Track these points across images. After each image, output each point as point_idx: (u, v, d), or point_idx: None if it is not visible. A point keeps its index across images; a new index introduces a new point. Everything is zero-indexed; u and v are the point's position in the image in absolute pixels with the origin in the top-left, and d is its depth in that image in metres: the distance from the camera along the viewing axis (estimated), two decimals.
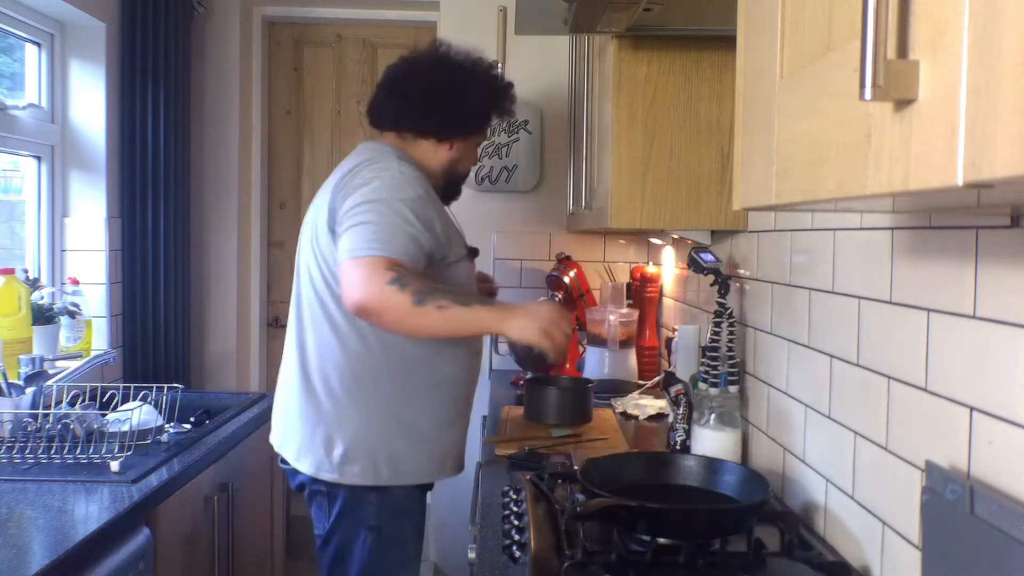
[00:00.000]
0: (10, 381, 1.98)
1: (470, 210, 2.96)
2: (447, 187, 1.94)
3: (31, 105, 2.54)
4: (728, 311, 1.73)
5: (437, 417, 1.77)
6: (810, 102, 0.66)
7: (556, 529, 1.24)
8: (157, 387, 2.14)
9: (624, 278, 2.98)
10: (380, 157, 1.76)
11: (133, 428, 1.91)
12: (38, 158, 2.61)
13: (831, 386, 1.33)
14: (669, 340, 2.37)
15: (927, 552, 0.95)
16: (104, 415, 1.99)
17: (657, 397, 2.36)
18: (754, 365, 1.72)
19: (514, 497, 1.40)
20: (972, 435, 0.93)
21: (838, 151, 0.60)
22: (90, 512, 1.53)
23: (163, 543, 1.70)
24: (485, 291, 2.31)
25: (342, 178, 1.74)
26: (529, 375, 2.54)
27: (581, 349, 2.77)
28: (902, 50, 0.51)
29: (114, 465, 1.75)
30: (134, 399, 2.09)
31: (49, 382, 2.08)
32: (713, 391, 1.67)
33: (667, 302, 2.75)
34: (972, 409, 0.93)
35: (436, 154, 1.86)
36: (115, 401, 2.09)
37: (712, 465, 1.42)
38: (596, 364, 2.60)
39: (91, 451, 1.81)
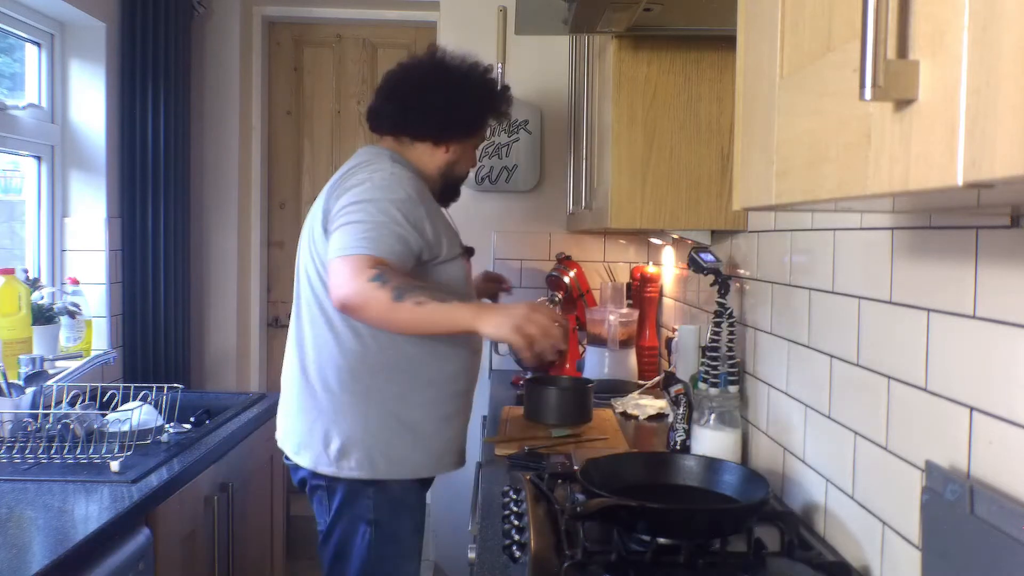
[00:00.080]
0: (10, 381, 1.98)
1: (470, 210, 2.96)
2: (446, 189, 1.97)
3: (31, 105, 2.54)
4: (728, 311, 1.73)
5: (434, 413, 1.80)
6: (810, 102, 0.66)
7: (556, 529, 1.24)
8: (157, 387, 2.14)
9: (624, 278, 2.98)
10: (374, 160, 1.81)
11: (133, 428, 1.91)
12: (38, 158, 2.61)
13: (831, 386, 1.33)
14: (669, 340, 2.37)
15: (927, 552, 0.95)
16: (104, 415, 1.99)
17: (657, 397, 2.36)
18: (754, 365, 1.72)
19: (514, 497, 1.40)
20: (972, 435, 0.93)
21: (838, 151, 0.60)
22: (90, 512, 1.53)
23: (163, 543, 1.70)
24: (495, 291, 2.32)
25: (336, 180, 1.80)
26: (529, 375, 2.54)
27: (581, 349, 2.77)
28: (902, 50, 0.51)
29: (114, 465, 1.75)
30: (134, 399, 2.09)
31: (49, 382, 2.08)
32: (713, 391, 1.67)
33: (667, 302, 2.75)
34: (972, 409, 0.93)
35: (433, 157, 1.90)
36: (115, 401, 2.09)
37: (712, 465, 1.42)
38: (596, 364, 2.60)
39: (91, 451, 1.81)
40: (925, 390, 1.04)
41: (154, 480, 1.72)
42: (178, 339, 2.93)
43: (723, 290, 1.74)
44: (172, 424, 2.13)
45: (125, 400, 2.10)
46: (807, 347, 1.43)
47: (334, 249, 1.66)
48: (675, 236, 2.33)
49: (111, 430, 1.88)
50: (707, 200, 1.85)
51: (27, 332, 2.31)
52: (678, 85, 1.84)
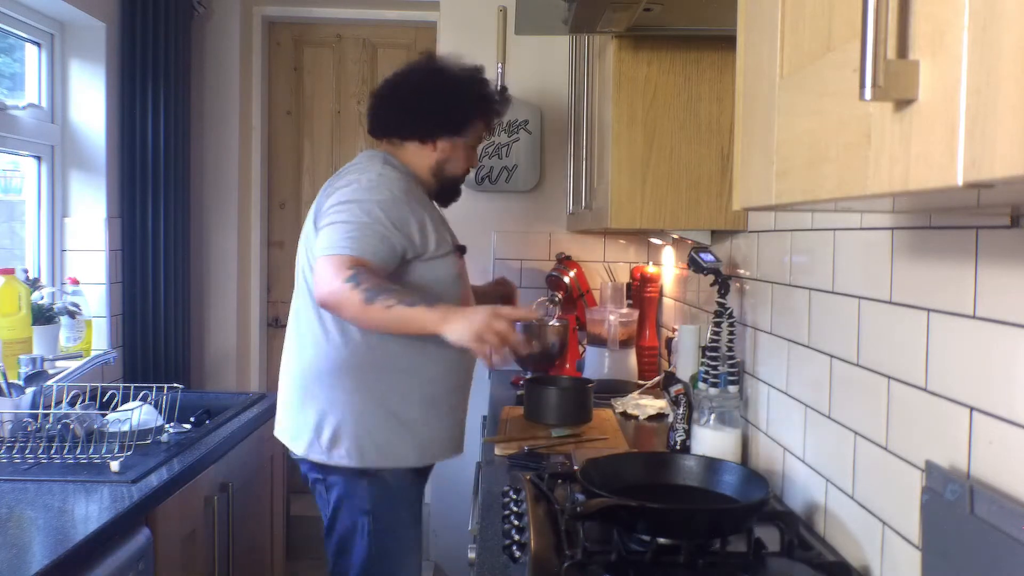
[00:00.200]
0: (10, 381, 1.98)
1: (470, 210, 2.96)
2: (443, 188, 2.02)
3: (31, 105, 2.54)
4: (728, 311, 1.73)
5: (422, 407, 1.87)
6: (810, 102, 0.66)
7: (556, 529, 1.24)
8: (157, 387, 2.14)
9: (624, 278, 2.98)
10: (367, 162, 1.90)
11: (133, 428, 1.91)
12: (38, 158, 2.61)
13: (831, 386, 1.33)
14: (669, 340, 2.37)
15: (927, 552, 0.95)
16: (104, 415, 1.99)
17: (657, 397, 2.36)
18: (754, 365, 1.72)
19: (514, 497, 1.40)
20: (972, 435, 0.93)
21: (838, 151, 0.60)
22: (90, 512, 1.53)
23: (163, 543, 1.70)
24: (499, 293, 2.32)
25: (330, 180, 1.90)
26: (529, 375, 2.54)
27: (581, 349, 2.78)
28: (902, 50, 0.51)
29: (114, 465, 1.75)
30: (134, 399, 2.09)
31: (49, 382, 2.08)
32: (713, 391, 1.67)
33: (667, 302, 2.75)
34: (972, 409, 0.93)
35: (422, 156, 1.97)
36: (115, 401, 2.09)
37: (712, 465, 1.42)
38: (596, 364, 2.60)
39: (91, 451, 1.81)
40: (925, 390, 1.04)
41: (154, 480, 1.72)
42: (178, 339, 2.93)
43: (723, 290, 1.74)
44: (172, 424, 2.13)
45: (125, 400, 2.10)
46: (807, 347, 1.43)
47: (319, 248, 1.75)
48: (675, 236, 2.33)
49: (111, 430, 1.88)
50: (707, 200, 1.85)
51: (27, 332, 2.31)
52: (678, 85, 1.84)
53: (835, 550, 1.29)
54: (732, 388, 1.70)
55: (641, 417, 2.21)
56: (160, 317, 2.85)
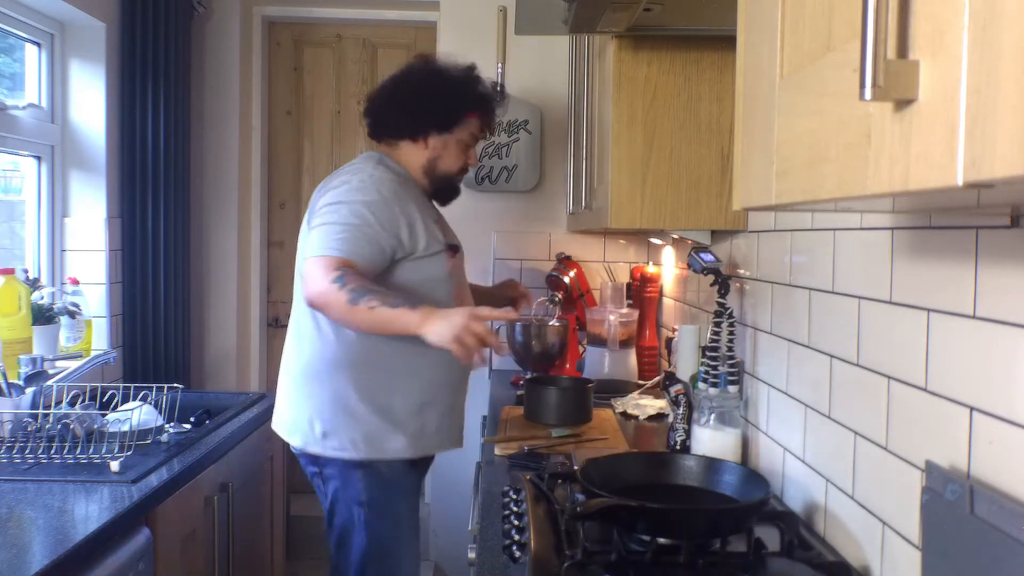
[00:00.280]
0: (10, 381, 1.98)
1: (470, 210, 2.96)
2: (438, 187, 2.05)
3: (31, 105, 2.54)
4: (728, 311, 1.73)
5: (410, 401, 1.90)
6: (810, 102, 0.66)
7: (556, 529, 1.24)
8: (157, 387, 2.14)
9: (624, 278, 2.98)
10: (360, 162, 1.95)
11: (133, 428, 1.91)
12: (38, 158, 2.61)
13: (831, 386, 1.33)
14: (669, 340, 2.37)
15: (927, 552, 0.95)
16: (104, 415, 1.99)
17: (657, 397, 2.36)
18: (754, 365, 1.72)
19: (514, 497, 1.40)
20: (972, 435, 0.93)
21: (838, 151, 0.60)
22: (90, 512, 1.53)
23: (163, 543, 1.70)
24: (505, 296, 2.34)
25: (324, 181, 1.95)
26: (529, 375, 2.54)
27: (581, 349, 2.78)
28: (902, 50, 0.51)
29: (114, 465, 1.75)
30: (134, 399, 2.09)
31: (49, 382, 2.08)
32: (713, 391, 1.67)
33: (667, 302, 2.75)
34: (972, 409, 0.93)
35: (415, 155, 2.00)
36: (115, 401, 2.09)
37: (712, 465, 1.42)
38: (596, 364, 2.60)
39: (91, 451, 1.81)
40: (925, 390, 1.04)
41: (154, 480, 1.72)
42: (178, 339, 2.92)
43: (723, 290, 1.74)
44: (172, 424, 2.13)
45: (125, 400, 2.10)
46: (807, 347, 1.43)
47: (309, 249, 1.81)
48: (675, 236, 2.33)
49: (111, 430, 1.88)
50: (707, 200, 1.85)
51: (27, 332, 2.31)
52: (678, 85, 1.84)
53: (835, 550, 1.29)
54: (732, 388, 1.70)
55: (641, 417, 2.21)
56: (160, 317, 2.85)
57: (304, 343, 1.92)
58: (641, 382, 2.57)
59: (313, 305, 1.78)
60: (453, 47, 2.89)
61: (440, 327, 1.69)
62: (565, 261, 2.88)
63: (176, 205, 2.89)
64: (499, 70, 2.91)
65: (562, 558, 1.16)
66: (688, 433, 1.73)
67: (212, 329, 3.30)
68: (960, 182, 0.45)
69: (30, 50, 2.59)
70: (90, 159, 2.69)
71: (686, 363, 2.05)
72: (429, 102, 1.97)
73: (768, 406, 1.63)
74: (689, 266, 1.82)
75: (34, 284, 2.43)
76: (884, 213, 1.15)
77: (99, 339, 2.67)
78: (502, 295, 2.36)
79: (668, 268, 2.76)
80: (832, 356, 1.33)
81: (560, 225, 3.08)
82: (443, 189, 2.05)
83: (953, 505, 0.88)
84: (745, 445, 1.72)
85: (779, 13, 0.72)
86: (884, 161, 0.53)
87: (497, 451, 1.87)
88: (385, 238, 1.82)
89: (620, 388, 2.48)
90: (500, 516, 1.40)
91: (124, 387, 2.19)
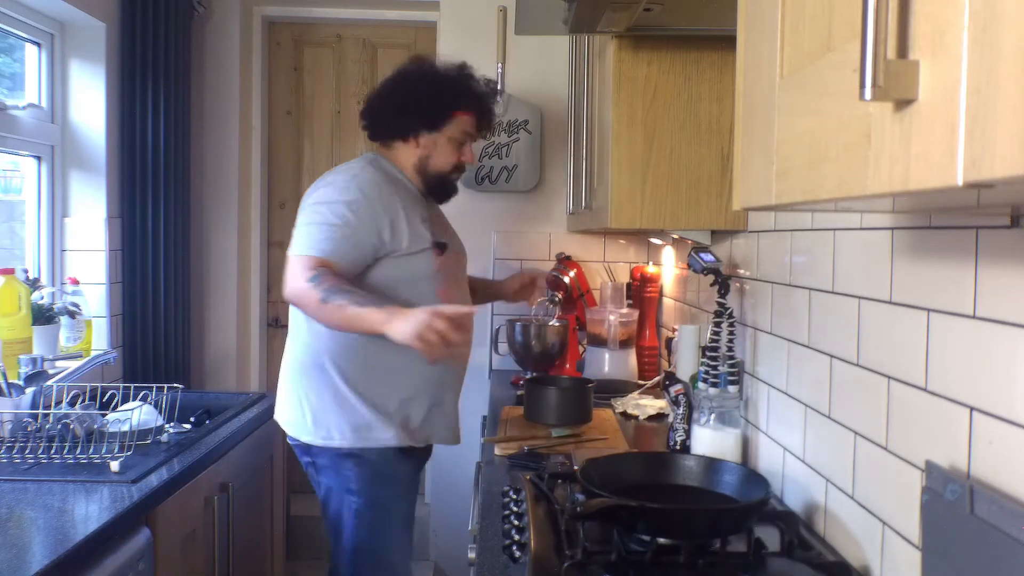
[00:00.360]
0: (10, 381, 1.98)
1: (470, 210, 2.97)
2: (432, 186, 2.07)
3: (31, 105, 2.54)
4: (728, 311, 1.73)
5: (394, 394, 1.95)
6: (810, 102, 0.66)
7: (556, 529, 1.24)
8: (157, 387, 2.14)
9: (624, 278, 2.98)
10: (352, 163, 2.02)
11: (133, 428, 1.91)
12: (38, 158, 2.61)
13: (831, 386, 1.33)
14: (669, 340, 2.37)
15: (927, 552, 0.95)
16: (104, 415, 1.99)
17: (657, 397, 2.36)
18: (754, 365, 1.72)
19: (514, 497, 1.40)
20: (972, 435, 0.93)
21: (838, 151, 0.60)
22: (90, 512, 1.53)
23: (163, 543, 1.70)
24: (513, 287, 2.39)
25: (316, 182, 2.01)
26: (529, 375, 2.54)
27: (581, 349, 2.78)
28: (902, 50, 0.51)
29: (114, 465, 1.75)
30: (134, 399, 2.09)
31: (49, 382, 2.08)
32: (713, 391, 1.67)
33: (667, 302, 2.75)
34: (972, 409, 0.93)
35: (407, 154, 2.05)
36: (115, 401, 2.09)
37: (712, 465, 1.42)
38: (596, 364, 2.60)
39: (91, 451, 1.81)
40: (925, 390, 1.04)
41: (154, 480, 1.72)
42: (178, 339, 2.92)
43: (723, 290, 1.74)
44: (172, 424, 2.13)
45: (125, 400, 2.10)
46: (807, 347, 1.43)
47: (292, 247, 1.91)
48: (675, 236, 2.33)
49: (111, 430, 1.88)
50: (707, 200, 1.85)
51: (27, 332, 2.31)
52: (678, 85, 1.84)
53: (835, 550, 1.29)
54: (732, 388, 1.70)
55: (641, 417, 2.21)
56: (160, 317, 2.85)
57: (298, 336, 2.00)
58: (641, 382, 2.57)
59: (290, 302, 1.89)
60: (453, 47, 2.89)
61: (403, 325, 1.74)
62: (565, 261, 2.88)
63: (176, 205, 2.89)
64: (499, 70, 2.91)
65: (562, 558, 1.16)
66: (688, 433, 1.73)
67: (212, 329, 3.30)
68: (960, 182, 0.45)
69: (30, 50, 2.59)
70: (90, 159, 2.69)
71: (686, 363, 2.05)
72: (416, 101, 2.01)
73: (768, 406, 1.63)
74: (689, 266, 1.82)
75: (34, 284, 2.43)
76: (884, 213, 1.15)
77: (99, 339, 2.67)
78: (510, 288, 2.39)
79: (668, 268, 2.76)
80: (832, 356, 1.33)
81: (560, 225, 3.08)
82: (437, 187, 2.08)
83: (953, 505, 0.88)
84: (745, 445, 1.72)
85: (779, 13, 0.72)
86: (884, 161, 0.53)
87: (497, 451, 1.87)
88: (366, 237, 1.88)
89: (620, 388, 2.48)
90: (500, 516, 1.40)
91: (124, 387, 2.19)
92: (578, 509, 1.20)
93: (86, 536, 1.41)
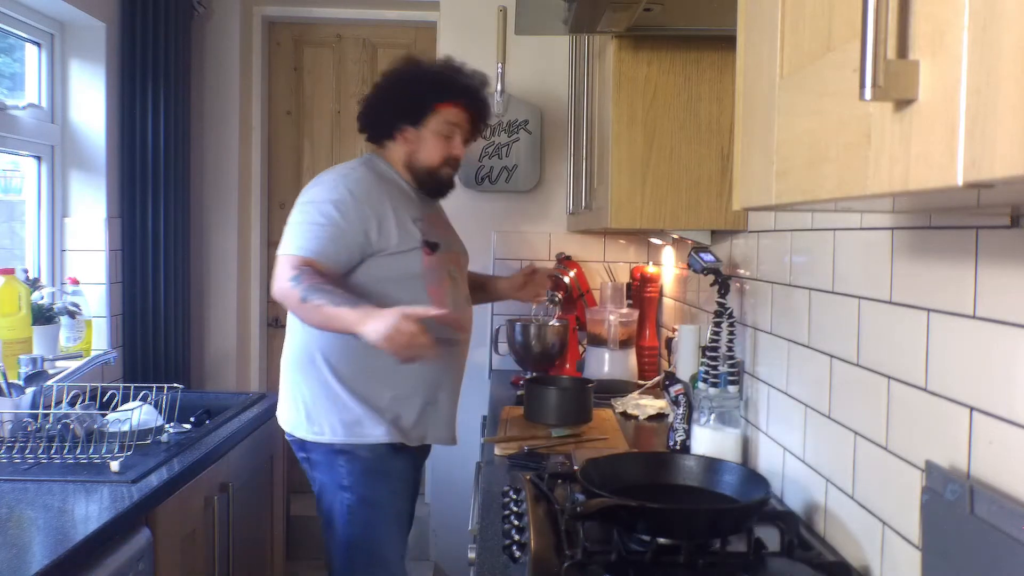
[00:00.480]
0: (10, 381, 1.98)
1: (470, 210, 2.97)
2: (422, 181, 2.08)
3: (31, 105, 2.54)
4: (728, 311, 1.73)
5: (384, 392, 1.96)
6: (810, 102, 0.66)
7: (556, 529, 1.24)
8: (157, 387, 2.14)
9: (624, 278, 2.98)
10: (347, 163, 2.05)
11: (133, 428, 1.91)
12: (38, 158, 2.61)
13: (831, 386, 1.33)
14: (669, 340, 2.37)
15: (927, 552, 0.95)
16: (104, 415, 1.99)
17: (657, 397, 2.36)
18: (754, 365, 1.72)
19: (514, 497, 1.40)
20: (972, 435, 0.93)
21: (838, 151, 0.60)
22: (90, 512, 1.53)
23: (163, 543, 1.70)
24: (514, 285, 2.40)
25: (308, 184, 2.03)
26: (529, 375, 2.54)
27: (581, 349, 2.78)
28: (902, 50, 0.51)
29: (114, 465, 1.75)
30: (134, 399, 2.09)
31: (49, 382, 2.08)
32: (713, 391, 1.67)
33: (667, 302, 2.75)
34: (972, 409, 0.93)
35: (397, 151, 2.07)
36: (115, 401, 2.09)
37: (712, 465, 1.42)
38: (596, 364, 2.60)
39: (91, 451, 1.81)
40: (925, 390, 1.04)
41: (154, 480, 1.72)
42: (178, 339, 2.92)
43: (723, 290, 1.74)
44: (172, 424, 2.13)
45: (125, 400, 2.10)
46: (807, 347, 1.43)
47: (280, 246, 1.94)
48: (675, 236, 2.33)
49: (111, 430, 1.88)
50: (707, 200, 1.85)
51: (27, 332, 2.31)
52: (678, 85, 1.84)
53: (835, 550, 1.29)
54: (732, 388, 1.70)
55: (641, 417, 2.21)
56: (160, 317, 2.85)
57: (293, 334, 2.03)
58: (641, 382, 2.57)
59: (275, 300, 1.90)
60: (453, 47, 2.89)
61: (374, 326, 1.74)
62: (565, 261, 2.88)
63: (176, 205, 2.89)
64: (499, 70, 2.91)
65: (562, 558, 1.16)
66: (688, 433, 1.73)
67: (212, 329, 3.30)
68: (960, 182, 0.45)
69: (30, 50, 2.59)
70: (90, 159, 2.69)
71: (686, 363, 2.05)
72: (396, 97, 2.04)
73: (768, 406, 1.63)
74: (689, 266, 1.82)
75: (34, 284, 2.43)
76: (884, 213, 1.15)
77: (99, 339, 2.67)
78: (513, 284, 2.40)
79: (668, 268, 2.76)
80: (832, 356, 1.33)
81: (560, 225, 3.08)
82: (428, 182, 2.08)
83: (953, 505, 0.88)
84: (745, 445, 1.72)
85: (779, 13, 0.72)
86: (884, 161, 0.53)
87: (497, 451, 1.87)
88: (352, 236, 1.91)
89: (620, 388, 2.48)
90: (500, 516, 1.40)
91: (124, 387, 2.19)
92: (578, 509, 1.20)
93: (86, 536, 1.41)
